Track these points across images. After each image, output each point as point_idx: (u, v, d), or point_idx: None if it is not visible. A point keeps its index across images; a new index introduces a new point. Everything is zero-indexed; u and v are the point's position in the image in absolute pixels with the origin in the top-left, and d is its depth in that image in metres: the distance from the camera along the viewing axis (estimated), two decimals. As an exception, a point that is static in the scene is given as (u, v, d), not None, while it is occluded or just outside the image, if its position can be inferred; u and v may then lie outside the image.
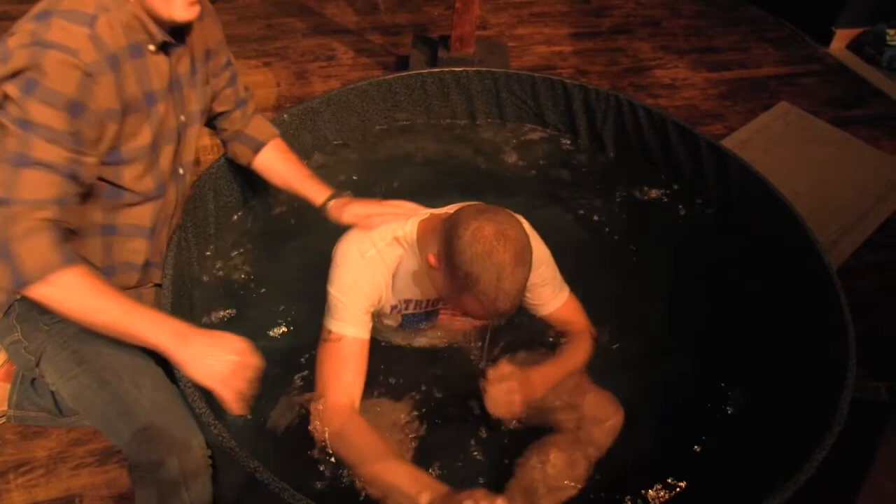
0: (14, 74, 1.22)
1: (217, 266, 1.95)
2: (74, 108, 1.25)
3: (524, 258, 1.40)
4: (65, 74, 1.23)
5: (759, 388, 1.78)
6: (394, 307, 1.64)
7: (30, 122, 1.21)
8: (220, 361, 1.35)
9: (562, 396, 1.72)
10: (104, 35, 1.30)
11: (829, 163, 3.11)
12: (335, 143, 2.23)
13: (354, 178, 2.21)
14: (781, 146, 3.12)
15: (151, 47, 1.41)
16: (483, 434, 1.73)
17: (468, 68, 2.25)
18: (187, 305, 1.75)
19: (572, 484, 1.61)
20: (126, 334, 1.31)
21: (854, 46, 3.93)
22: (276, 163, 1.82)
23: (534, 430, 1.69)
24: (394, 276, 1.59)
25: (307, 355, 1.71)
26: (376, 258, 1.57)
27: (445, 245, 1.43)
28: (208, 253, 1.92)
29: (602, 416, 1.67)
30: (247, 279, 1.98)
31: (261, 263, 2.01)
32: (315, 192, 1.76)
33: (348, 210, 1.68)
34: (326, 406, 1.51)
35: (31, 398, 1.80)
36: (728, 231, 2.11)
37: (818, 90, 3.59)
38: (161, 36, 1.41)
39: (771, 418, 1.71)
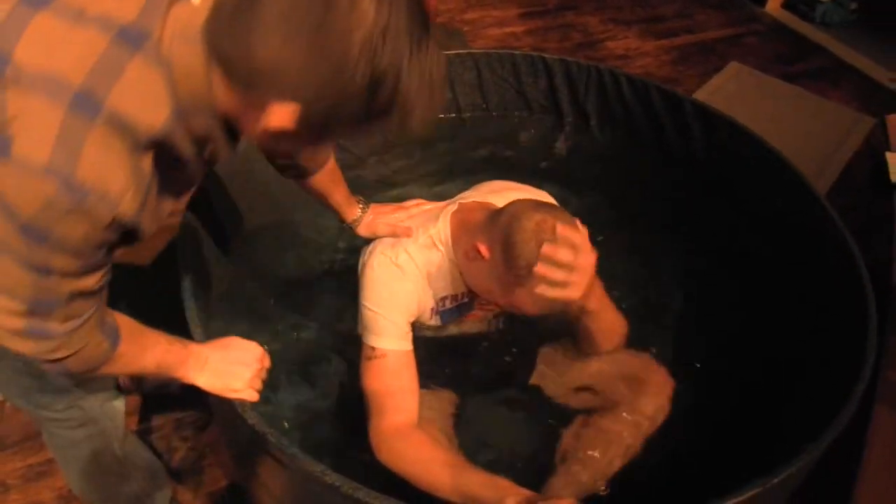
0: None
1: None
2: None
3: (588, 253, 1.39)
4: None
5: (777, 349, 1.80)
6: (432, 309, 1.61)
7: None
8: (239, 379, 1.29)
9: (607, 374, 1.72)
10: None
11: (785, 117, 3.22)
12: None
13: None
14: (739, 105, 3.22)
15: None
16: (528, 415, 1.75)
17: (450, 52, 2.25)
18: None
19: (622, 458, 1.59)
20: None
21: (788, 5, 4.06)
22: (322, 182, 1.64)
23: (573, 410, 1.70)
24: (429, 278, 1.57)
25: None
26: (409, 263, 1.54)
27: (503, 235, 1.39)
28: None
29: (652, 390, 1.64)
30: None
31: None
32: (347, 208, 1.68)
33: (382, 222, 1.64)
34: (385, 428, 1.45)
35: None
36: (721, 192, 2.15)
37: (762, 49, 3.72)
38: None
39: (791, 379, 1.74)
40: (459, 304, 1.68)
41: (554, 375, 1.79)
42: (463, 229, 1.55)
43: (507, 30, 3.66)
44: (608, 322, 1.66)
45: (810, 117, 3.28)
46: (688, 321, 1.91)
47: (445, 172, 2.27)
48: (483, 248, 1.42)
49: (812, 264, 1.86)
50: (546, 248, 1.33)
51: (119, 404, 1.45)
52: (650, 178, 2.25)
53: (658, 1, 4.05)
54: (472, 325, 1.78)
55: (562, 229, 1.35)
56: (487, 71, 2.32)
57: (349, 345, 1.69)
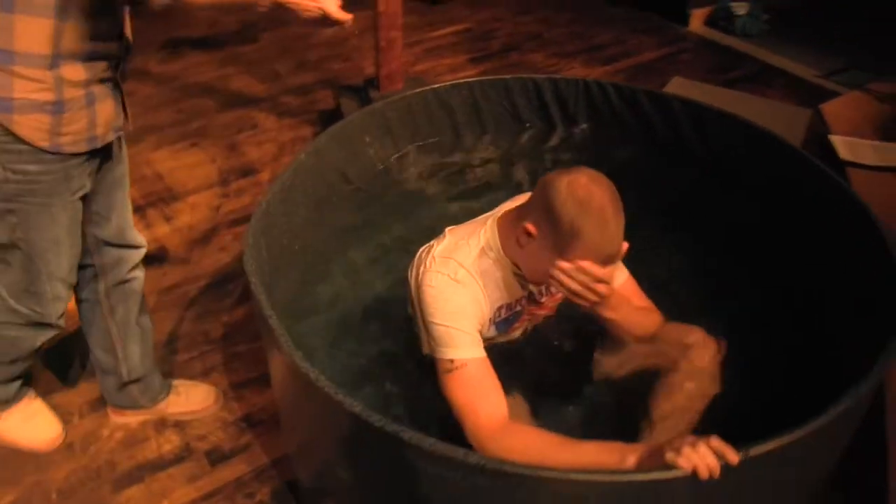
0: None
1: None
2: None
3: (620, 201, 1.49)
4: None
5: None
6: (490, 319, 1.66)
7: None
8: None
9: (654, 349, 1.79)
10: None
11: (738, 118, 3.43)
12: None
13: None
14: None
15: None
16: (596, 404, 1.81)
17: (444, 84, 2.35)
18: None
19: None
20: None
21: (709, 22, 4.37)
22: None
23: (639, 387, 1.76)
24: (486, 287, 1.61)
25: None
26: (468, 277, 1.58)
27: (543, 205, 1.48)
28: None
29: (695, 359, 1.69)
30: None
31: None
32: None
33: None
34: (484, 427, 1.47)
35: None
36: (719, 176, 2.28)
37: (696, 63, 3.98)
38: None
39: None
40: (513, 312, 1.73)
41: (608, 363, 1.85)
42: (510, 227, 1.62)
43: (460, 74, 3.81)
44: (635, 312, 1.72)
45: (757, 115, 3.46)
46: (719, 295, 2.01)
47: (458, 193, 2.38)
48: (530, 227, 1.50)
49: (821, 224, 1.99)
50: (583, 197, 1.44)
51: None
52: (650, 175, 2.36)
53: (593, 33, 4.28)
54: (517, 333, 1.85)
55: (589, 178, 1.47)
56: (482, 97, 2.42)
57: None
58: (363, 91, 3.28)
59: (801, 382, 1.76)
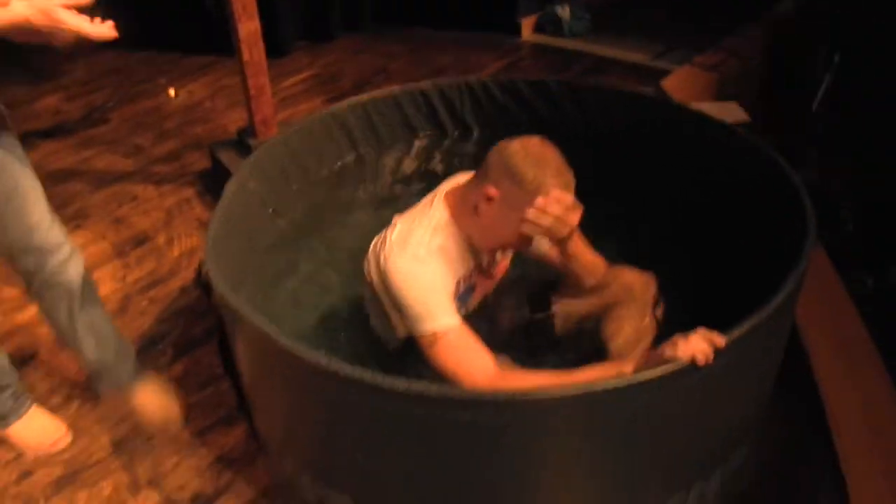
0: None
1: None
2: None
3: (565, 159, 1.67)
4: None
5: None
6: (453, 293, 1.75)
7: None
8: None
9: (598, 293, 1.97)
10: None
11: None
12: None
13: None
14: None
15: None
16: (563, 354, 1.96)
17: (342, 103, 2.47)
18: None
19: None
20: None
21: (538, 29, 4.74)
22: None
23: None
24: (446, 262, 1.72)
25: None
26: (428, 256, 1.68)
27: (501, 168, 1.63)
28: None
29: (638, 296, 1.89)
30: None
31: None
32: None
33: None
34: (480, 381, 1.55)
35: None
36: (608, 145, 2.50)
37: (537, 66, 4.30)
38: None
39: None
40: (469, 285, 1.87)
41: (565, 314, 2.02)
42: (460, 201, 1.76)
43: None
44: (586, 261, 1.89)
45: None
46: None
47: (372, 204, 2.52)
48: (491, 190, 1.64)
49: (708, 160, 2.25)
50: (539, 154, 1.62)
51: None
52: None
53: (431, 59, 4.53)
54: (474, 304, 1.97)
55: (538, 141, 1.65)
56: (375, 113, 2.55)
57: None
58: (238, 142, 3.32)
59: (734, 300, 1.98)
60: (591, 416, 1.36)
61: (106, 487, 2.06)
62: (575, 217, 1.66)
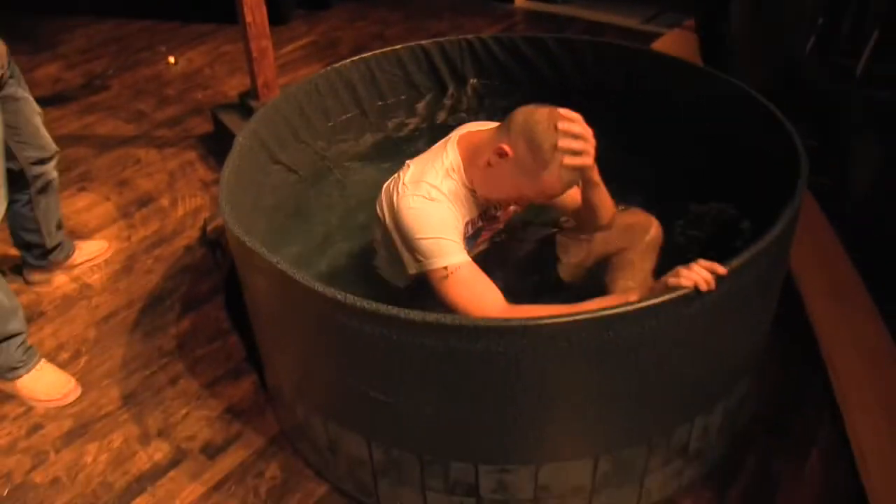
0: None
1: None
2: None
3: None
4: None
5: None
6: (462, 234, 1.80)
7: None
8: None
9: (605, 237, 2.02)
10: None
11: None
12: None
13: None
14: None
15: None
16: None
17: (346, 61, 2.50)
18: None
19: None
20: None
21: (531, -4, 4.77)
22: None
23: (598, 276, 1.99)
24: (456, 203, 1.76)
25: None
26: (441, 196, 1.73)
27: (523, 132, 1.64)
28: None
29: (642, 238, 1.96)
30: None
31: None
32: None
33: None
34: (492, 314, 1.59)
35: None
36: (603, 96, 2.54)
37: (533, 32, 4.32)
38: None
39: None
40: (476, 228, 1.91)
41: (572, 259, 2.07)
42: (473, 149, 1.79)
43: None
44: (604, 194, 1.94)
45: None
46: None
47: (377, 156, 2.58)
48: (507, 148, 1.67)
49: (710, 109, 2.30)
50: (562, 125, 1.62)
51: None
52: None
53: (427, 25, 4.56)
54: (482, 247, 2.02)
55: (565, 113, 1.66)
56: (378, 70, 2.58)
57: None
58: (241, 105, 3.35)
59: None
60: (599, 341, 1.40)
61: (116, 439, 2.10)
62: (592, 143, 1.68)
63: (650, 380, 1.52)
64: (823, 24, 4.43)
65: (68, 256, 2.67)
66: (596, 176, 1.85)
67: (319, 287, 1.44)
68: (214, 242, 2.77)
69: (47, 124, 2.42)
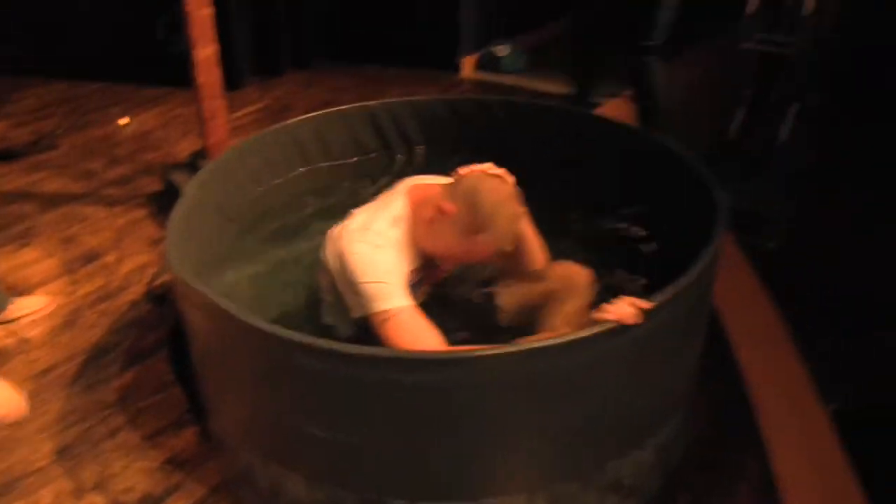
0: None
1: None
2: None
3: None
4: None
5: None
6: (406, 281, 1.85)
7: None
8: None
9: (541, 285, 2.10)
10: None
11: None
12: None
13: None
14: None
15: None
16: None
17: (295, 119, 2.58)
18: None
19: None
20: None
21: (478, 67, 4.99)
22: None
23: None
24: (400, 251, 1.84)
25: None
26: (387, 243, 1.80)
27: (464, 194, 1.76)
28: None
29: (576, 285, 2.04)
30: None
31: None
32: None
33: None
34: None
35: None
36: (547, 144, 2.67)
37: (480, 100, 4.47)
38: None
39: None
40: (420, 277, 1.98)
41: (508, 304, 2.14)
42: (420, 202, 1.88)
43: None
44: (534, 242, 2.05)
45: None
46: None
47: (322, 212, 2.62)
48: (448, 206, 1.77)
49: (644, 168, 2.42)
50: (503, 197, 1.76)
51: None
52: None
53: (380, 93, 4.64)
54: (424, 294, 2.08)
55: (511, 187, 1.79)
56: (326, 129, 2.67)
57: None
58: (191, 165, 3.39)
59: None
60: (530, 373, 1.46)
61: (45, 496, 2.04)
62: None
63: (582, 413, 1.58)
64: (752, 98, 4.76)
65: (1, 310, 2.64)
66: (527, 228, 1.95)
67: (257, 322, 1.48)
68: (160, 297, 2.78)
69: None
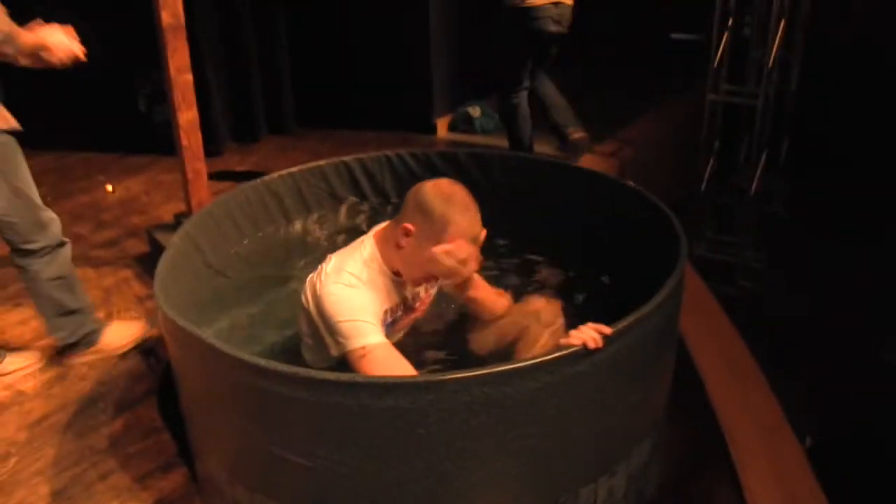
0: None
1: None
2: None
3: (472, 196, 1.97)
4: None
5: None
6: (381, 320, 2.00)
7: None
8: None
9: (511, 319, 2.25)
10: None
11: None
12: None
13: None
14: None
15: None
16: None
17: (274, 174, 2.75)
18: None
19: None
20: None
21: (451, 128, 5.19)
22: None
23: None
24: (374, 291, 1.98)
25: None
26: (360, 283, 1.95)
27: (416, 206, 1.92)
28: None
29: (546, 319, 2.19)
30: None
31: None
32: None
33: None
34: None
35: None
36: (516, 202, 2.83)
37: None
38: None
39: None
40: (395, 317, 2.12)
41: (478, 341, 2.28)
42: (385, 239, 2.04)
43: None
44: (490, 294, 2.23)
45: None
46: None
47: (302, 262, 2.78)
48: (409, 225, 1.93)
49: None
50: (447, 192, 1.92)
51: None
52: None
53: (359, 151, 4.84)
54: (400, 334, 2.23)
55: (448, 181, 1.96)
56: (304, 183, 2.83)
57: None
58: (176, 226, 3.53)
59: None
60: (499, 395, 1.57)
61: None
62: (471, 266, 1.97)
63: (551, 436, 1.69)
64: (720, 149, 4.99)
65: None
66: (473, 290, 2.18)
67: (240, 354, 1.61)
68: (149, 350, 2.89)
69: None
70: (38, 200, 2.54)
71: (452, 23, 5.07)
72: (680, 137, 5.12)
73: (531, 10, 3.66)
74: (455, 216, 1.89)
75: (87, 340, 2.78)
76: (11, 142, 2.41)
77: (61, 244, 2.63)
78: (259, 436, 1.76)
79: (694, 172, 5.02)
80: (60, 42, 2.31)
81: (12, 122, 2.40)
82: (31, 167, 2.58)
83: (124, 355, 2.92)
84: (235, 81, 5.05)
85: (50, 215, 2.57)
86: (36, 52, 2.29)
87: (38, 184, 4.37)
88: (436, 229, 1.90)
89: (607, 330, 1.65)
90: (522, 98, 4.01)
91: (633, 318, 1.71)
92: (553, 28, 3.73)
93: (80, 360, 2.81)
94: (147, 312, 3.20)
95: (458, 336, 2.31)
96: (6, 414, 2.63)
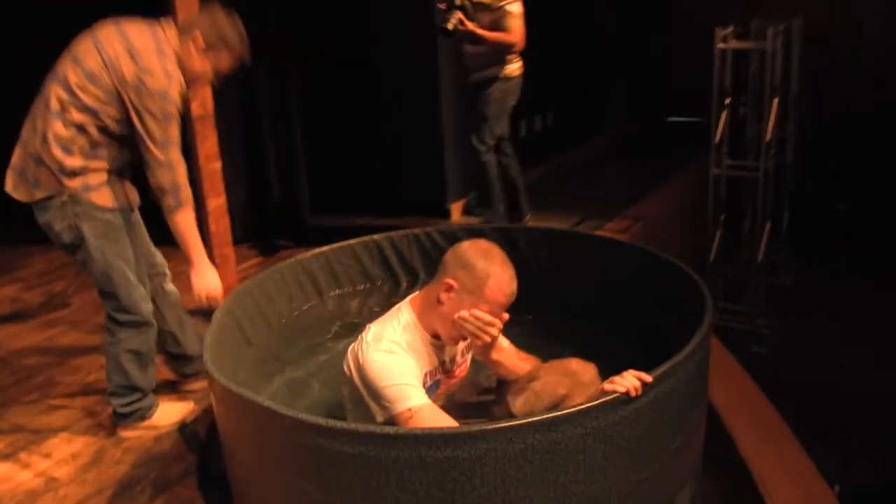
0: None
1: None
2: None
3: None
4: None
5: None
6: (422, 384, 2.06)
7: None
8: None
9: (548, 381, 2.29)
10: None
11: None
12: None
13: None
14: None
15: None
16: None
17: (305, 253, 2.84)
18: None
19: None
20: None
21: (466, 212, 5.34)
22: None
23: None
24: (414, 355, 2.06)
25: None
26: (399, 349, 2.02)
27: (457, 263, 2.03)
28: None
29: (583, 383, 2.23)
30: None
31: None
32: None
33: None
34: None
35: None
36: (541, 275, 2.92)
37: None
38: None
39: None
40: (435, 380, 2.18)
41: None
42: (423, 303, 2.12)
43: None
44: (513, 357, 2.29)
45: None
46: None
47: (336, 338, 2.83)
48: (450, 281, 2.02)
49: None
50: (486, 249, 2.04)
51: None
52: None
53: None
54: (440, 400, 2.27)
55: (484, 241, 2.09)
56: (336, 262, 2.92)
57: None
58: (207, 310, 3.60)
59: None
60: (549, 441, 1.63)
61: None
62: (494, 329, 2.02)
63: (597, 482, 1.73)
64: (726, 221, 5.16)
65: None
66: (496, 353, 2.21)
67: (299, 414, 1.66)
68: (185, 428, 2.91)
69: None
70: (134, 279, 2.67)
71: (462, 111, 5.24)
72: (686, 211, 5.28)
73: None
74: (495, 269, 2.00)
75: (140, 415, 2.84)
76: (118, 218, 2.62)
77: (148, 324, 2.74)
78: (316, 496, 1.78)
79: (702, 244, 5.15)
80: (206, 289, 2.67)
81: (122, 200, 2.64)
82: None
83: (158, 438, 2.92)
84: (251, 172, 5.19)
85: (142, 293, 2.70)
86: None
87: (61, 276, 4.52)
88: (478, 283, 1.99)
89: (648, 378, 1.72)
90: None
91: (670, 365, 1.79)
92: None
93: (132, 433, 2.86)
94: (179, 396, 3.21)
95: (495, 401, 2.34)
96: (40, 501, 2.62)
